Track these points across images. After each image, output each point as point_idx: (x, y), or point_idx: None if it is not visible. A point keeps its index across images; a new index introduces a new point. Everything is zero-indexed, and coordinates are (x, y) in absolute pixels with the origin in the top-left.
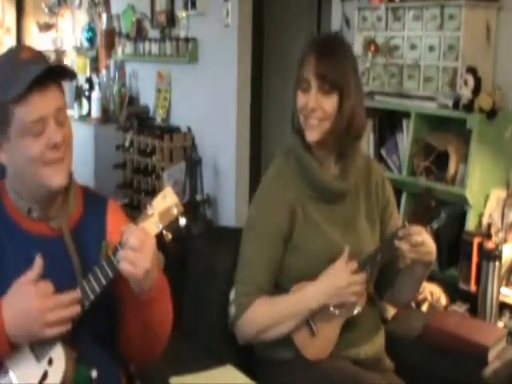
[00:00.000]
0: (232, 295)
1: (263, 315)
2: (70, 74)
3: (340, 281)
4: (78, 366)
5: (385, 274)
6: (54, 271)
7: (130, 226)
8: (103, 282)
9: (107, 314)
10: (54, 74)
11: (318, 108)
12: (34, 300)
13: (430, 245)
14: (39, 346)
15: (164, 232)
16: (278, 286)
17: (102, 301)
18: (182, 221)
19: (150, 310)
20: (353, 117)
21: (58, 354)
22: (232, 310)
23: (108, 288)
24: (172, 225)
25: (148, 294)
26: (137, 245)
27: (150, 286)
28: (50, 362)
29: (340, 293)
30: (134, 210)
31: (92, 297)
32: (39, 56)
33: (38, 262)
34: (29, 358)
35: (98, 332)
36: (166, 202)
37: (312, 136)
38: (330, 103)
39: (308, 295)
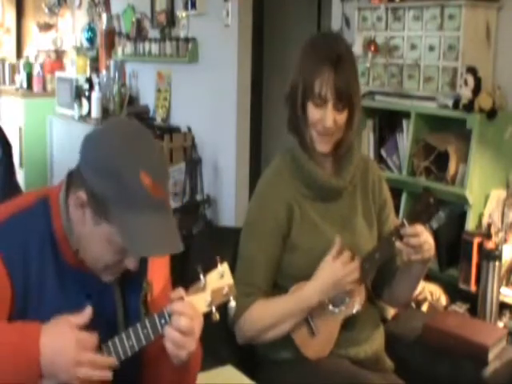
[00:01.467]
0: None
1: (263, 316)
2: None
3: (334, 273)
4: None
5: (383, 272)
6: (96, 308)
7: (181, 296)
8: (143, 342)
9: (135, 366)
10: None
11: (333, 125)
12: (72, 347)
13: (430, 242)
14: None
15: (213, 311)
16: (277, 285)
17: (135, 355)
18: (232, 303)
19: (183, 375)
20: (359, 126)
21: None
22: (231, 310)
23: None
24: (221, 305)
25: (183, 365)
26: (187, 328)
27: (188, 359)
28: None
29: (336, 284)
30: None
31: (129, 353)
32: (164, 194)
33: (88, 311)
34: None
35: (123, 378)
36: (221, 280)
37: (324, 148)
38: (342, 118)
39: (306, 294)
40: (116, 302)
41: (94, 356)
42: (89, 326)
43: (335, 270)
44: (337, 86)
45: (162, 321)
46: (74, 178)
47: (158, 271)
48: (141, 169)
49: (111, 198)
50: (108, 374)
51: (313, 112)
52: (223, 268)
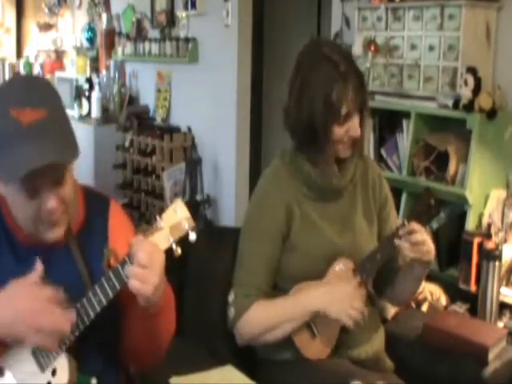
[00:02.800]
0: (231, 296)
1: (262, 318)
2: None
3: (341, 289)
4: (78, 375)
5: (384, 272)
6: (60, 279)
7: (139, 238)
8: (110, 294)
9: (109, 323)
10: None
11: None
12: (24, 300)
13: (429, 244)
14: (43, 356)
15: (174, 246)
16: (276, 286)
17: (105, 310)
18: (193, 236)
19: (156, 321)
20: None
21: (62, 364)
22: (231, 311)
23: (113, 298)
24: (182, 239)
25: (154, 307)
26: (146, 261)
27: (157, 299)
28: (54, 372)
29: (338, 302)
30: (134, 211)
31: (98, 309)
32: (41, 120)
33: (38, 267)
34: (33, 367)
35: (98, 339)
36: (176, 215)
37: (347, 153)
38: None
39: (307, 299)
40: (81, 272)
41: (51, 306)
42: (51, 285)
43: (346, 286)
44: (358, 101)
45: (125, 266)
46: None
47: (122, 239)
48: (9, 105)
49: None
50: (65, 328)
51: (337, 131)
52: (177, 204)
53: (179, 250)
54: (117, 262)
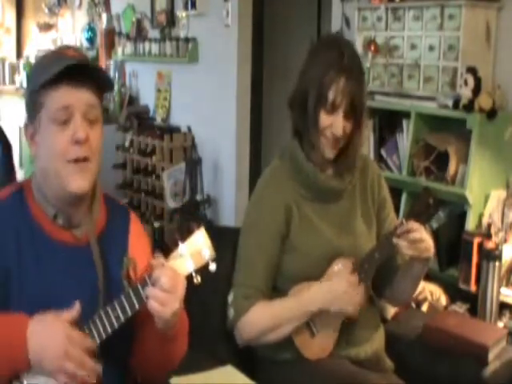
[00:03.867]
0: (230, 297)
1: (262, 319)
2: (102, 77)
3: (340, 287)
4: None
5: (383, 271)
6: (77, 280)
7: (162, 261)
8: (129, 312)
9: (123, 339)
10: (89, 73)
11: (342, 133)
12: (62, 339)
13: (428, 241)
14: None
15: (193, 274)
16: (276, 286)
17: (120, 326)
18: (213, 266)
19: (170, 345)
20: (364, 134)
21: None
22: (231, 312)
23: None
24: (202, 268)
25: (171, 330)
26: (169, 286)
27: (173, 324)
28: None
29: (338, 299)
30: (134, 211)
31: (116, 325)
32: (82, 56)
33: (77, 306)
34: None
35: (109, 349)
36: (199, 243)
37: (331, 154)
38: (350, 125)
39: (307, 299)
40: (98, 275)
41: (83, 355)
42: (69, 297)
43: (343, 284)
44: (351, 95)
45: (145, 287)
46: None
47: (140, 249)
48: (62, 50)
49: (32, 84)
50: (93, 379)
51: (323, 118)
52: (201, 232)
53: (199, 278)
54: (135, 272)
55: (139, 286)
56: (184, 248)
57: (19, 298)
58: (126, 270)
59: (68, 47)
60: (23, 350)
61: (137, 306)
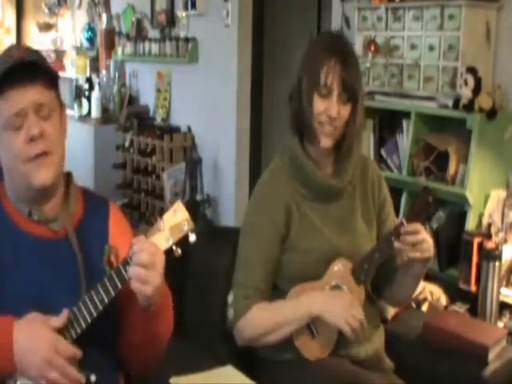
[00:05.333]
0: (230, 297)
1: (262, 320)
2: (45, 70)
3: (344, 297)
4: (78, 371)
5: (383, 271)
6: (58, 273)
7: (140, 238)
8: (112, 293)
9: (108, 320)
10: (35, 70)
11: (337, 116)
12: (45, 346)
13: (429, 241)
14: None
15: (174, 247)
16: (276, 287)
17: (105, 308)
18: (192, 237)
19: (155, 320)
20: (362, 123)
21: None
22: (230, 312)
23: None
24: (181, 240)
25: (154, 306)
26: (148, 261)
27: (156, 299)
28: None
29: (340, 308)
30: (134, 211)
31: (101, 307)
32: (30, 54)
33: (64, 314)
34: None
35: (98, 336)
36: (176, 217)
37: (327, 143)
38: (346, 111)
39: (308, 303)
40: (79, 267)
41: (67, 366)
42: (52, 291)
43: (346, 298)
44: (343, 76)
45: (127, 267)
46: None
47: (122, 237)
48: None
49: None
50: None
51: (318, 103)
52: (177, 205)
53: (179, 251)
54: (117, 259)
55: (121, 266)
56: (162, 222)
57: (1, 297)
58: (107, 257)
59: (13, 47)
60: (8, 355)
61: (119, 285)
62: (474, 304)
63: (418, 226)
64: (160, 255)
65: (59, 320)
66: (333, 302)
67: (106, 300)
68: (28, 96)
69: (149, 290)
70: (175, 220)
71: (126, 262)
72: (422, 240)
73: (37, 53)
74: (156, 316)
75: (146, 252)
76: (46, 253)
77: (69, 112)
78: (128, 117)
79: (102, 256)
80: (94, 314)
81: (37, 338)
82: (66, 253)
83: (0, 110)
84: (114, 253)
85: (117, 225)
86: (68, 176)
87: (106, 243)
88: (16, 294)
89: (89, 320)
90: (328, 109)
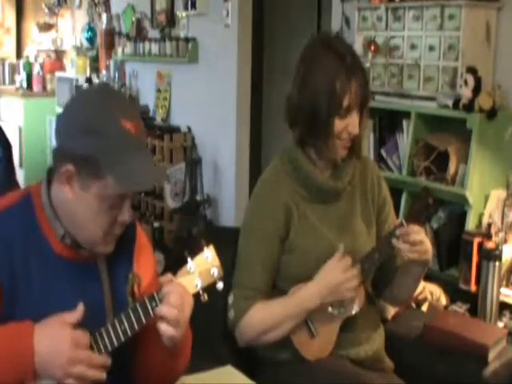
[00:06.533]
0: (230, 298)
1: (262, 318)
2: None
3: (333, 279)
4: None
5: (382, 272)
6: (82, 296)
7: (170, 278)
8: (136, 327)
9: (126, 349)
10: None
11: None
12: (66, 345)
13: (427, 244)
14: None
15: (201, 292)
16: (276, 287)
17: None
18: (220, 285)
19: (174, 358)
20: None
21: None
22: (231, 313)
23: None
24: (209, 286)
25: (176, 348)
26: (179, 303)
27: (180, 341)
28: None
29: (335, 291)
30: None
31: (123, 339)
32: (141, 130)
33: (80, 308)
34: None
35: (114, 362)
36: (207, 262)
37: (344, 153)
38: (358, 120)
39: (304, 296)
40: (104, 293)
41: (90, 354)
42: (74, 303)
43: (335, 274)
44: (361, 96)
45: (153, 303)
46: (56, 161)
47: (145, 266)
48: (120, 117)
49: (99, 152)
50: (102, 375)
51: (338, 124)
52: (209, 250)
53: (206, 297)
54: (139, 288)
55: (147, 301)
56: (193, 265)
57: (23, 313)
58: (130, 286)
59: (132, 117)
60: (30, 360)
61: (144, 320)
62: (474, 304)
63: (416, 227)
64: (189, 298)
65: (75, 315)
66: (329, 287)
67: (129, 333)
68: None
69: (177, 333)
70: (206, 265)
71: (153, 298)
72: (420, 241)
73: (140, 126)
74: (177, 356)
75: (177, 294)
76: (73, 274)
77: None
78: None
79: (126, 284)
80: (116, 345)
81: (56, 339)
82: (93, 276)
83: (111, 184)
84: (137, 282)
85: (142, 250)
86: None
87: (131, 271)
88: (38, 312)
89: (109, 349)
90: (349, 126)
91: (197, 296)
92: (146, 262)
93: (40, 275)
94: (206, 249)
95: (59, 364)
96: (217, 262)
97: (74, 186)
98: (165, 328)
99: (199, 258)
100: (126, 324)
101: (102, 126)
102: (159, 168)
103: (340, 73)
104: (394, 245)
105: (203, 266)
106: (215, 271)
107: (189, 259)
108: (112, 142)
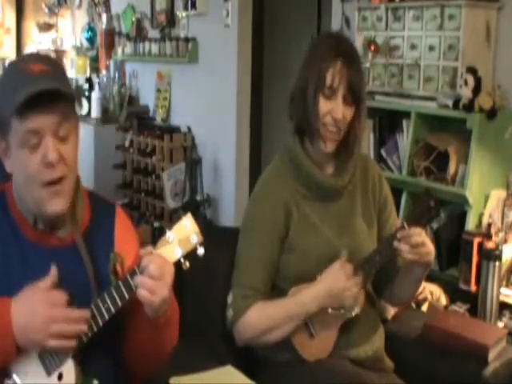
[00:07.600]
0: (229, 298)
1: (261, 319)
2: (67, 97)
3: (336, 287)
4: (81, 378)
5: (384, 272)
6: (68, 282)
7: (149, 250)
8: (119, 303)
9: (113, 327)
10: (58, 95)
11: (342, 118)
12: (40, 306)
13: (429, 245)
14: (50, 360)
15: (182, 260)
16: (276, 286)
17: (112, 316)
18: (201, 250)
19: (161, 331)
20: (364, 127)
21: (69, 369)
22: (230, 312)
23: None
24: (190, 253)
25: (161, 318)
26: (157, 273)
27: (163, 311)
28: (60, 377)
29: (336, 297)
30: (134, 211)
31: (107, 316)
32: (48, 71)
33: (53, 271)
34: (39, 371)
35: (102, 342)
36: (186, 229)
37: (330, 146)
38: (350, 113)
39: (304, 300)
40: (89, 275)
41: (67, 310)
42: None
43: (338, 281)
44: (348, 78)
45: (134, 277)
46: None
47: (128, 245)
48: (28, 63)
49: (2, 107)
50: (83, 328)
51: (322, 104)
52: (187, 218)
53: (187, 264)
54: (122, 267)
55: (128, 277)
56: (171, 235)
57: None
58: (112, 266)
59: (33, 58)
60: (10, 335)
61: (127, 296)
62: (474, 304)
63: (418, 229)
64: (169, 268)
65: (48, 279)
66: (331, 294)
67: (113, 310)
68: (47, 117)
69: (156, 300)
70: (184, 232)
71: (134, 273)
72: (422, 243)
73: (53, 67)
74: (162, 327)
75: (156, 264)
76: (54, 260)
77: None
78: (128, 117)
79: (108, 264)
80: (100, 323)
81: (31, 304)
82: (74, 260)
83: (16, 128)
84: (120, 261)
85: (123, 231)
86: (76, 180)
87: (112, 251)
88: None
89: (95, 328)
90: (333, 110)
91: (178, 264)
92: (128, 240)
93: (20, 265)
94: (183, 217)
95: (38, 327)
96: (195, 228)
97: (8, 155)
98: (143, 295)
99: (177, 226)
100: (108, 302)
101: (6, 81)
102: (48, 77)
103: (330, 53)
104: (395, 247)
105: (182, 233)
106: (194, 238)
107: (167, 229)
108: (8, 87)
